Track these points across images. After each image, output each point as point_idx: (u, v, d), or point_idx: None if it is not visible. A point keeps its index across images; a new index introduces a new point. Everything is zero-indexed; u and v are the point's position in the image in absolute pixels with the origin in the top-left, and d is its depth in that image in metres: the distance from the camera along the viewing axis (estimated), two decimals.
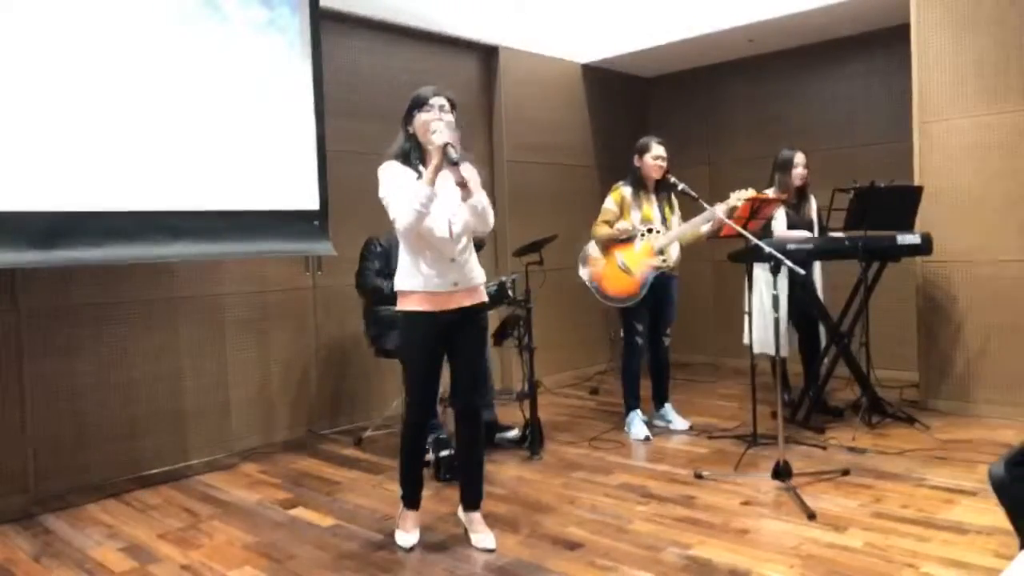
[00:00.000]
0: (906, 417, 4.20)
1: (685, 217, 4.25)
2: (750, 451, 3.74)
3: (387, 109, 4.00)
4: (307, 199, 4.09)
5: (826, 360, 4.42)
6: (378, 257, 4.03)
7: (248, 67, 3.84)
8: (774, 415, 3.89)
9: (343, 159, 4.47)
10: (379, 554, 2.81)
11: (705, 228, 4.11)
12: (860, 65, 5.55)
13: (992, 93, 4.27)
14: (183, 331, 4.06)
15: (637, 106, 6.67)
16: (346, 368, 4.79)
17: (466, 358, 2.85)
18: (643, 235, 4.18)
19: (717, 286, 6.31)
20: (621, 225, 4.14)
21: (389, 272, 3.47)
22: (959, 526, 2.81)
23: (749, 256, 3.98)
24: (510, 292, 4.06)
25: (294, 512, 3.28)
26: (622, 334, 4.36)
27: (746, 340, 4.07)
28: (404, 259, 2.77)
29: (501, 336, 4.16)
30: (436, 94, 2.73)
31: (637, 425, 4.26)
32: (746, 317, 4.12)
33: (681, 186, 3.84)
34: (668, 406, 4.45)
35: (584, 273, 4.30)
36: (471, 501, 2.92)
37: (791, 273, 3.22)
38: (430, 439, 3.51)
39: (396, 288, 2.80)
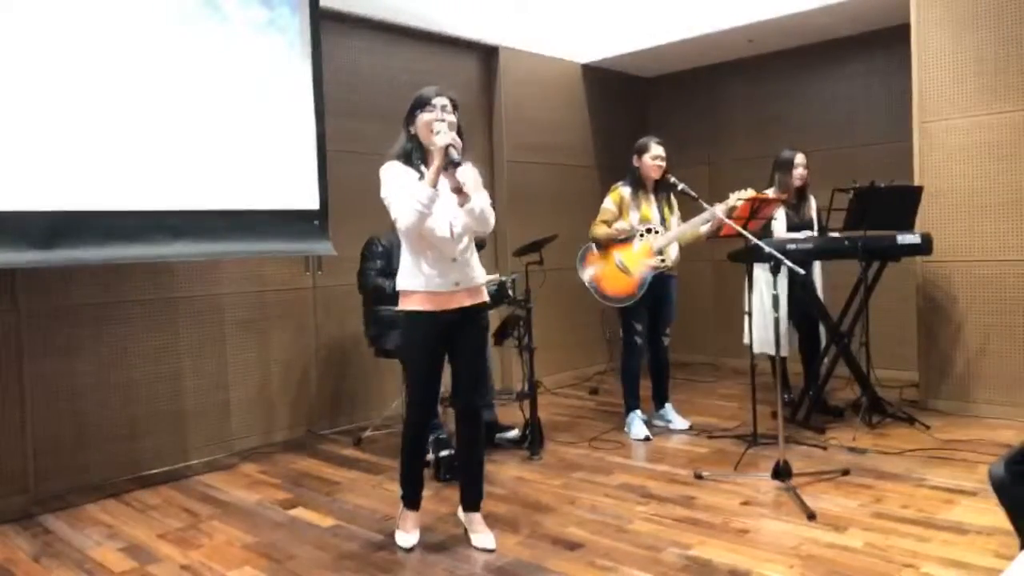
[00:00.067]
0: (906, 417, 4.20)
1: (685, 217, 4.25)
2: (750, 451, 3.74)
3: (387, 109, 4.01)
4: (307, 199, 4.09)
5: (826, 360, 4.42)
6: (379, 257, 4.03)
7: (248, 67, 3.84)
8: (774, 415, 3.89)
9: (343, 159, 4.47)
10: (379, 554, 2.81)
11: (704, 228, 4.12)
12: (860, 65, 5.54)
13: (992, 93, 4.27)
14: (183, 331, 4.06)
15: (637, 106, 6.67)
16: (346, 368, 4.79)
17: (467, 358, 2.85)
18: (641, 235, 4.18)
19: (717, 286, 6.31)
20: (619, 225, 4.15)
21: (390, 272, 3.48)
22: (959, 526, 2.81)
23: (749, 256, 3.98)
24: (510, 292, 4.06)
25: (294, 512, 3.28)
26: (621, 334, 4.36)
27: (746, 340, 4.07)
28: (406, 259, 2.77)
29: (501, 336, 4.16)
30: (438, 94, 2.72)
31: (637, 425, 4.26)
32: (746, 317, 4.11)
33: (681, 186, 3.84)
34: (668, 406, 4.45)
35: (583, 273, 4.31)
36: (471, 501, 2.92)
37: (791, 273, 3.22)
38: (430, 439, 3.51)
39: (398, 288, 2.80)
